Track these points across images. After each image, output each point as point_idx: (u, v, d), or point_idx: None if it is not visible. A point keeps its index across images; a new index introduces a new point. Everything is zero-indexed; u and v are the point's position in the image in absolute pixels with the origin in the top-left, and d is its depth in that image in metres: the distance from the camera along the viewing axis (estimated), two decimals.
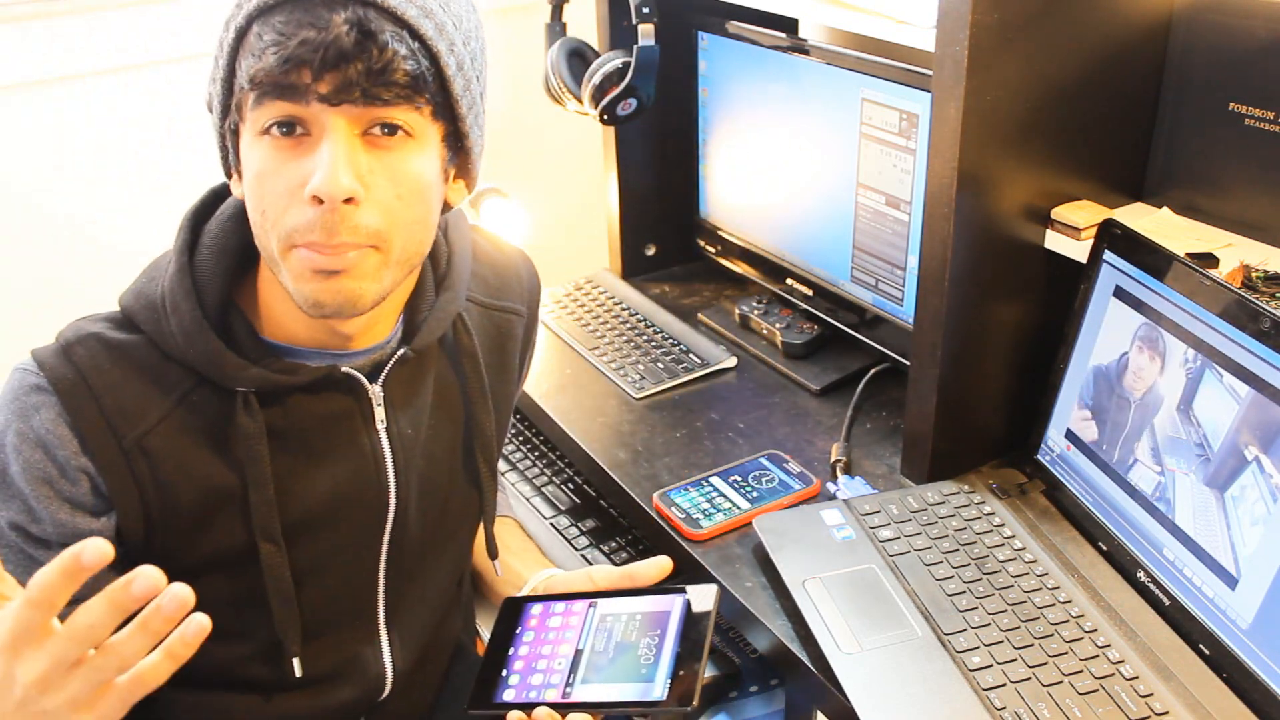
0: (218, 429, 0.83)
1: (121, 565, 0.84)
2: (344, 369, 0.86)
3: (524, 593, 1.02)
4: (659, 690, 0.83)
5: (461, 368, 0.95)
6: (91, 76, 1.46)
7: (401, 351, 0.89)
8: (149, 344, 0.82)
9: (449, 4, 0.78)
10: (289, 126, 0.75)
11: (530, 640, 0.92)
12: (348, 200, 0.74)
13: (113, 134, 1.50)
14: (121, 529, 0.82)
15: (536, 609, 0.95)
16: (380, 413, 0.89)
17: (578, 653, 0.89)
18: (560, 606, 0.94)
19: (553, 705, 0.85)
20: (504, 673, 0.91)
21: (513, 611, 0.96)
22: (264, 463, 0.83)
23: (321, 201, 0.74)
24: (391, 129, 0.76)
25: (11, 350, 0.84)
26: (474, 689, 0.90)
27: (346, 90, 0.72)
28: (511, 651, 0.92)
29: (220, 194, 0.88)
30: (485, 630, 1.20)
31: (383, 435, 0.89)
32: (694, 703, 0.82)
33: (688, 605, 0.88)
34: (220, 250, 0.83)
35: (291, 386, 0.84)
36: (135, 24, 1.46)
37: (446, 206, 0.87)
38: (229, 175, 0.83)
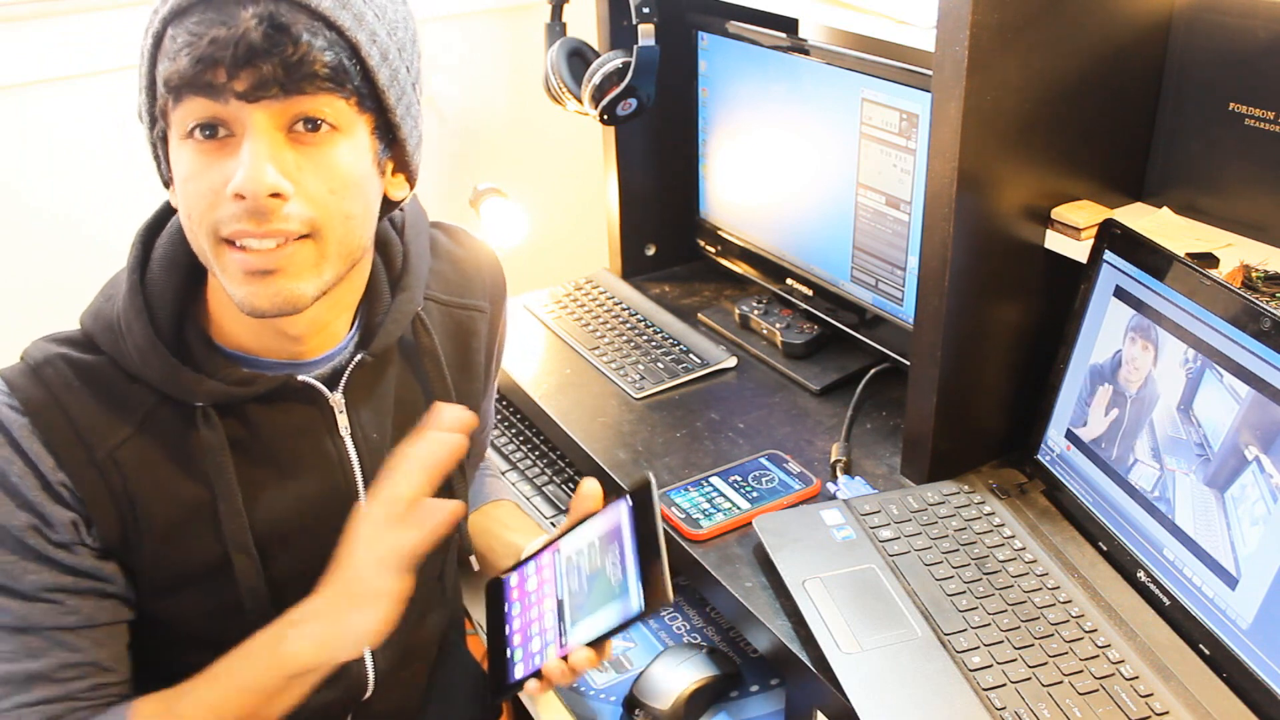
0: (182, 444, 0.83)
1: (105, 575, 0.84)
2: (301, 379, 0.85)
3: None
4: (635, 602, 0.83)
5: (423, 368, 0.95)
6: (90, 76, 1.46)
7: (359, 357, 0.88)
8: (111, 364, 0.82)
9: None
10: (211, 129, 0.74)
11: (519, 612, 0.92)
12: (275, 196, 0.74)
13: (111, 134, 1.50)
14: (101, 541, 0.82)
15: (514, 580, 0.94)
16: (343, 420, 0.89)
17: (559, 602, 0.88)
18: (531, 568, 0.94)
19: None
20: (508, 651, 0.90)
21: (496, 592, 0.95)
22: (229, 474, 0.83)
23: (244, 198, 0.73)
24: (315, 124, 0.75)
25: (10, 350, 0.84)
26: (490, 678, 0.90)
27: (263, 87, 0.71)
28: (508, 629, 0.92)
29: (172, 208, 0.87)
30: (478, 611, 1.20)
31: (348, 441, 0.89)
32: (669, 597, 0.81)
33: (632, 509, 0.87)
34: (170, 264, 0.83)
35: (249, 397, 0.83)
36: (135, 24, 1.46)
37: (389, 203, 0.86)
38: (166, 186, 0.82)
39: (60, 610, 0.82)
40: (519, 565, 0.96)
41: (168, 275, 0.83)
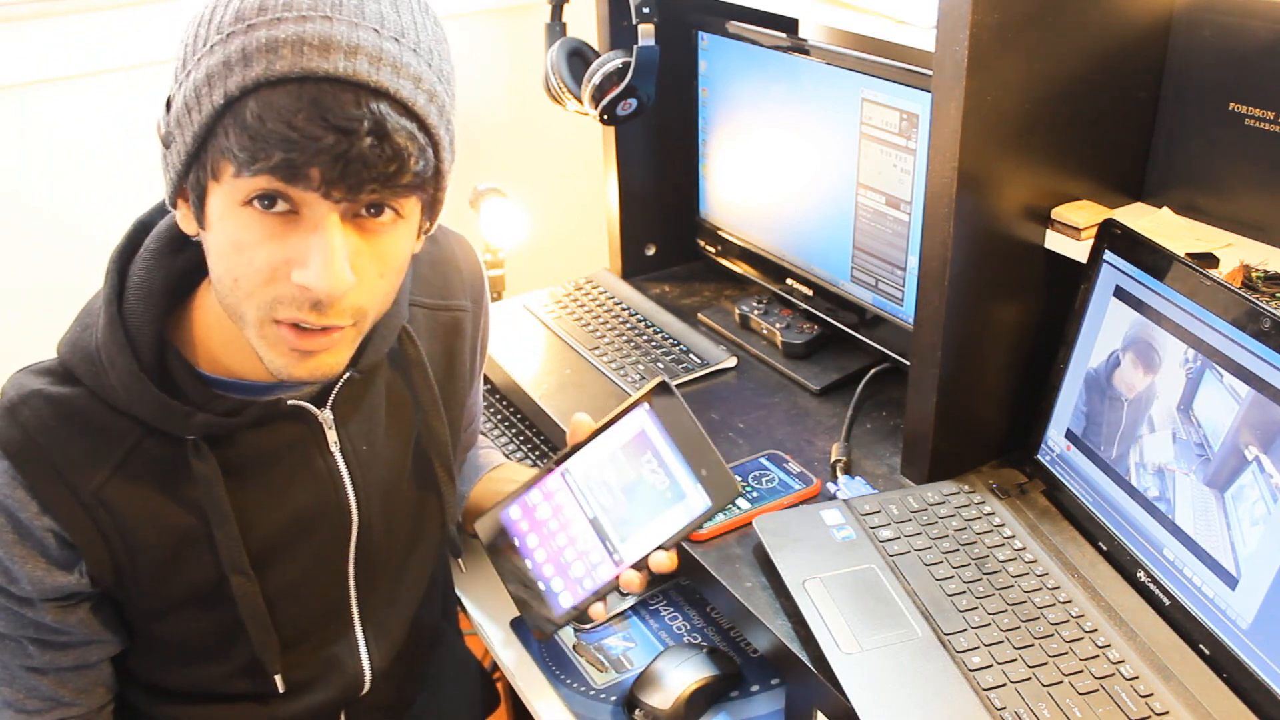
0: (172, 474, 0.82)
1: (99, 606, 0.85)
2: (290, 402, 0.85)
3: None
4: (700, 501, 0.81)
5: (411, 378, 0.94)
6: (90, 76, 1.46)
7: (348, 374, 0.88)
8: (92, 396, 0.80)
9: (443, 69, 0.75)
10: (273, 200, 0.70)
11: (538, 543, 0.88)
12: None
13: (111, 134, 1.50)
14: (93, 577, 0.82)
15: (515, 513, 0.90)
16: (332, 435, 0.88)
17: (593, 521, 0.86)
18: (536, 496, 0.89)
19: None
20: (542, 587, 0.87)
21: (497, 533, 0.90)
22: (223, 503, 0.82)
23: (310, 290, 0.71)
24: (379, 209, 0.73)
25: (10, 350, 0.84)
26: (534, 618, 0.86)
27: (355, 192, 0.69)
28: (531, 565, 0.88)
29: (146, 225, 0.85)
30: (476, 610, 1.20)
31: (337, 456, 0.89)
32: (737, 487, 0.81)
33: (653, 413, 0.84)
34: (147, 293, 0.80)
35: (240, 426, 0.83)
36: (135, 24, 1.46)
37: None
38: (174, 205, 0.78)
39: (24, 653, 0.83)
40: (513, 499, 0.90)
41: (145, 305, 0.80)
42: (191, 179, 0.73)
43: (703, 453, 0.82)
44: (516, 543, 0.89)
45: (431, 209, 0.81)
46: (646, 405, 0.85)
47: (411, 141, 0.70)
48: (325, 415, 0.88)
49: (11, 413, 0.79)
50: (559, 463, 0.88)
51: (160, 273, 0.82)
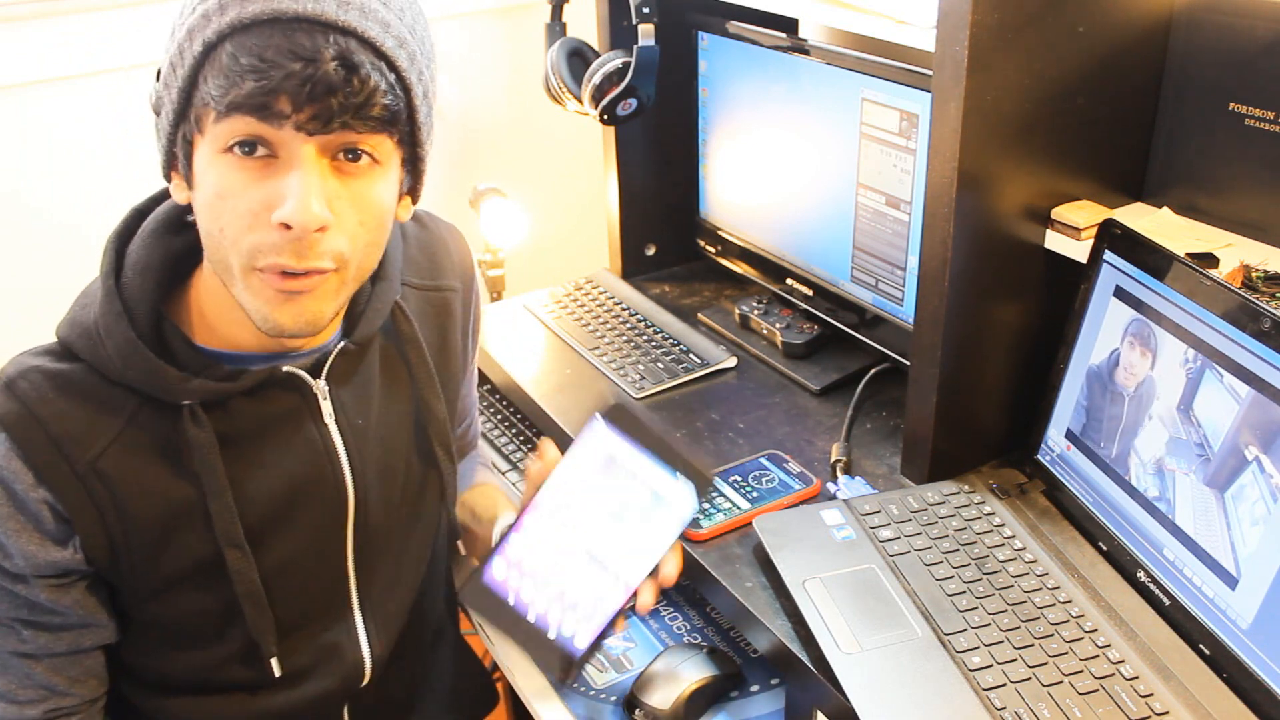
0: (168, 445, 0.83)
1: (94, 587, 0.85)
2: (285, 369, 0.86)
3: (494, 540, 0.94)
4: (686, 498, 0.82)
5: (405, 354, 0.95)
6: (90, 76, 1.46)
7: (342, 344, 0.89)
8: (89, 370, 0.81)
9: (415, 28, 0.78)
10: (252, 146, 0.73)
11: (532, 595, 0.83)
12: (319, 229, 0.75)
13: (111, 134, 1.50)
14: (86, 552, 0.82)
15: (499, 571, 0.83)
16: (327, 406, 0.89)
17: (586, 554, 0.83)
18: (516, 548, 0.83)
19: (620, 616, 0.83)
20: (552, 635, 0.82)
21: (486, 595, 0.84)
22: (218, 472, 0.83)
23: (289, 228, 0.74)
24: (357, 154, 0.76)
25: (10, 350, 0.84)
26: (558, 665, 0.83)
27: (325, 122, 0.72)
28: (535, 616, 0.83)
29: (143, 212, 0.87)
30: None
31: (333, 428, 0.90)
32: (710, 475, 0.83)
33: (617, 429, 0.83)
34: (144, 268, 0.83)
35: (235, 393, 0.84)
36: (135, 24, 1.46)
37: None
38: (168, 178, 0.81)
39: (16, 637, 0.83)
40: (490, 558, 0.85)
41: (143, 279, 0.82)
42: (179, 137, 0.77)
43: (672, 453, 0.83)
44: (510, 600, 0.83)
45: (413, 167, 0.83)
46: (605, 426, 0.84)
47: (380, 77, 0.73)
48: (320, 385, 0.88)
49: (9, 387, 0.80)
50: (529, 508, 0.85)
51: (159, 251, 0.84)
